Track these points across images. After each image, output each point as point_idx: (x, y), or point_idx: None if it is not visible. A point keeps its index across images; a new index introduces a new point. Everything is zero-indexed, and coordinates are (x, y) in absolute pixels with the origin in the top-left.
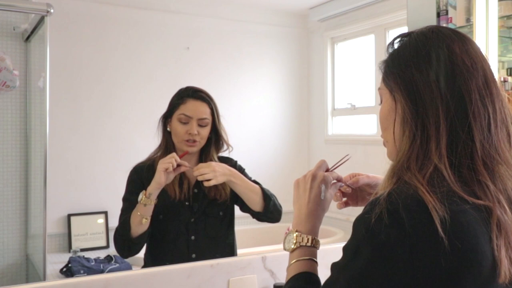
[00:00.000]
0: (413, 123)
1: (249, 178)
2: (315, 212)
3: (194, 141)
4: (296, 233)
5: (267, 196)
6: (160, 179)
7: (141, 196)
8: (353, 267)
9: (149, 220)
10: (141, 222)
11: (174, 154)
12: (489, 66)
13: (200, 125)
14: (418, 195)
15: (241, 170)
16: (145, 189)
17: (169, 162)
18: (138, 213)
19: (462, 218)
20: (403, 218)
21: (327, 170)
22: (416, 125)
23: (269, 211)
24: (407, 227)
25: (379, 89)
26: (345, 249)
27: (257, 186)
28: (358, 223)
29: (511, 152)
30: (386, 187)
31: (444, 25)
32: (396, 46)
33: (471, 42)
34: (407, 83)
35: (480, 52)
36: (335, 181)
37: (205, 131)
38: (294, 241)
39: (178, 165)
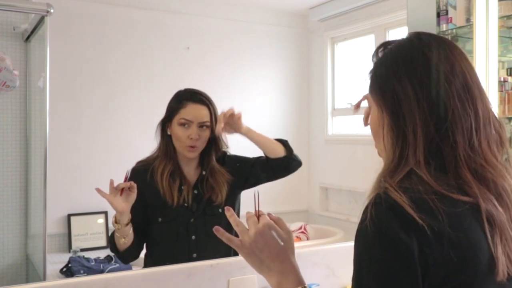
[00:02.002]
0: (395, 134)
1: (249, 160)
2: (287, 262)
3: (195, 146)
4: None
5: (282, 139)
6: (117, 208)
7: (112, 221)
8: (375, 275)
9: (129, 238)
10: (120, 242)
11: (112, 184)
12: (471, 69)
13: (200, 128)
14: (388, 195)
15: (236, 158)
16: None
17: (107, 199)
18: (117, 234)
19: (451, 210)
20: (398, 212)
21: (258, 217)
22: (397, 136)
23: (292, 151)
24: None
25: (366, 96)
26: (358, 262)
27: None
28: (360, 233)
29: (501, 150)
30: (371, 194)
31: (444, 25)
32: (380, 55)
33: (450, 46)
34: (389, 96)
35: (461, 56)
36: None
37: (206, 134)
38: None
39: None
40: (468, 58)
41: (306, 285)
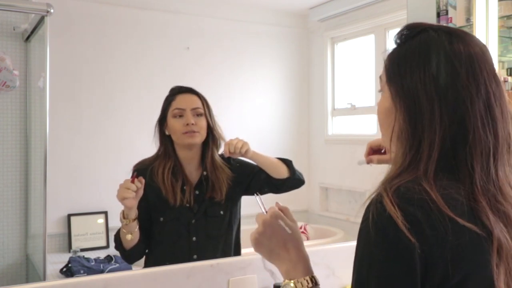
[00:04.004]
0: (409, 143)
1: (254, 165)
2: (296, 251)
3: (193, 131)
4: (293, 281)
5: (286, 160)
6: (126, 204)
7: (120, 217)
8: (375, 275)
9: (136, 235)
10: (126, 238)
11: (126, 183)
12: (496, 87)
13: (195, 116)
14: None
15: (239, 159)
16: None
17: (126, 196)
18: (124, 230)
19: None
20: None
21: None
22: (411, 146)
23: (296, 172)
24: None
25: (380, 77)
26: (358, 262)
27: (272, 157)
28: (361, 233)
29: None
30: (373, 193)
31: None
32: (404, 38)
33: (479, 60)
34: (410, 97)
35: (490, 71)
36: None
37: (202, 122)
38: None
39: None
40: (494, 71)
41: (314, 275)
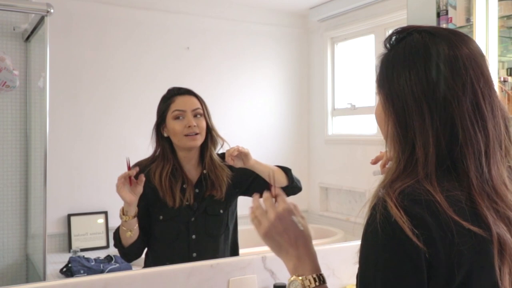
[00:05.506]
0: (401, 146)
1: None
2: (305, 248)
3: (195, 133)
4: (300, 277)
5: (285, 168)
6: (125, 199)
7: (120, 213)
8: (382, 275)
9: (135, 232)
10: (126, 235)
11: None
12: (484, 83)
13: (195, 116)
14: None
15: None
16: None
17: (121, 183)
18: (123, 227)
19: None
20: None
21: (275, 197)
22: (403, 150)
23: (294, 180)
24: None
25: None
26: (364, 261)
27: (272, 165)
28: (367, 233)
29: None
30: (373, 199)
31: (444, 25)
32: (393, 42)
33: (464, 57)
34: (399, 101)
35: (476, 68)
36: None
37: (202, 122)
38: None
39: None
40: (483, 67)
41: (321, 273)
